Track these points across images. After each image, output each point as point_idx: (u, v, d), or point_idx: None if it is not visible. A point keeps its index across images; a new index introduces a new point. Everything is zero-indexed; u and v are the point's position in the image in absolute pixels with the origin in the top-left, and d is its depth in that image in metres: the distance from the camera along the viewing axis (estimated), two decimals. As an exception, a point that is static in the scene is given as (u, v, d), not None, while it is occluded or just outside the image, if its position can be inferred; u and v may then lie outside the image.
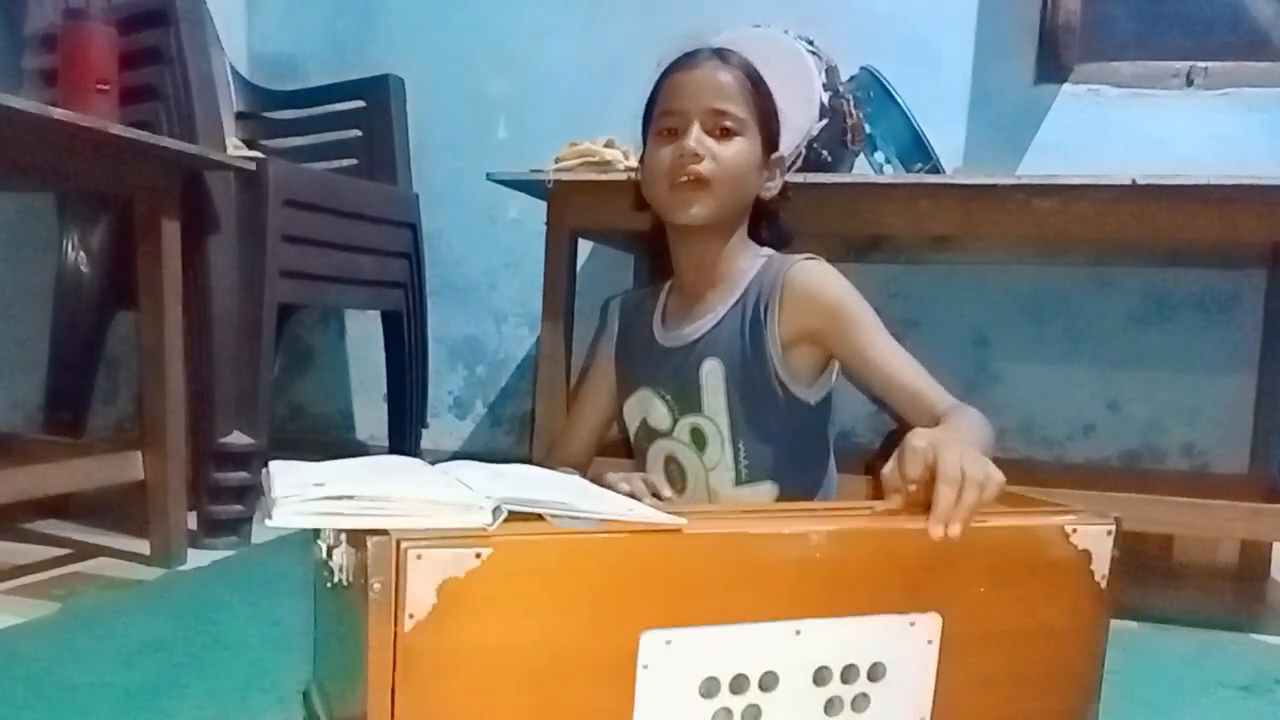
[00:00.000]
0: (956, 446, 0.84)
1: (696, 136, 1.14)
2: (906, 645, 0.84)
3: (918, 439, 0.85)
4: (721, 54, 1.20)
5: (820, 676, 0.81)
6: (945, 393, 1.08)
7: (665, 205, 1.19)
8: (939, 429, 0.95)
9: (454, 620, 0.70)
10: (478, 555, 0.70)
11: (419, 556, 0.68)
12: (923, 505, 0.83)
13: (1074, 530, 0.87)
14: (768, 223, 1.29)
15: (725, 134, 1.16)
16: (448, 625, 0.70)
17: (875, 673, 0.83)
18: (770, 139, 1.22)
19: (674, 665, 0.77)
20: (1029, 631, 0.87)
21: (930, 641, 0.84)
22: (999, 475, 0.83)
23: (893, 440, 0.90)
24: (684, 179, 1.15)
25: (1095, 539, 0.88)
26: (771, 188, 1.24)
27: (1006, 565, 0.86)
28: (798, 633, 0.80)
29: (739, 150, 1.16)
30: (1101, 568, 0.88)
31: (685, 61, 1.19)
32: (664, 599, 0.76)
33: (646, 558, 0.76)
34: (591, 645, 0.75)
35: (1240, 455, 2.15)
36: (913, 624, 0.83)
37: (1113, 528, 0.88)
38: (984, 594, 0.85)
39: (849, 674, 0.82)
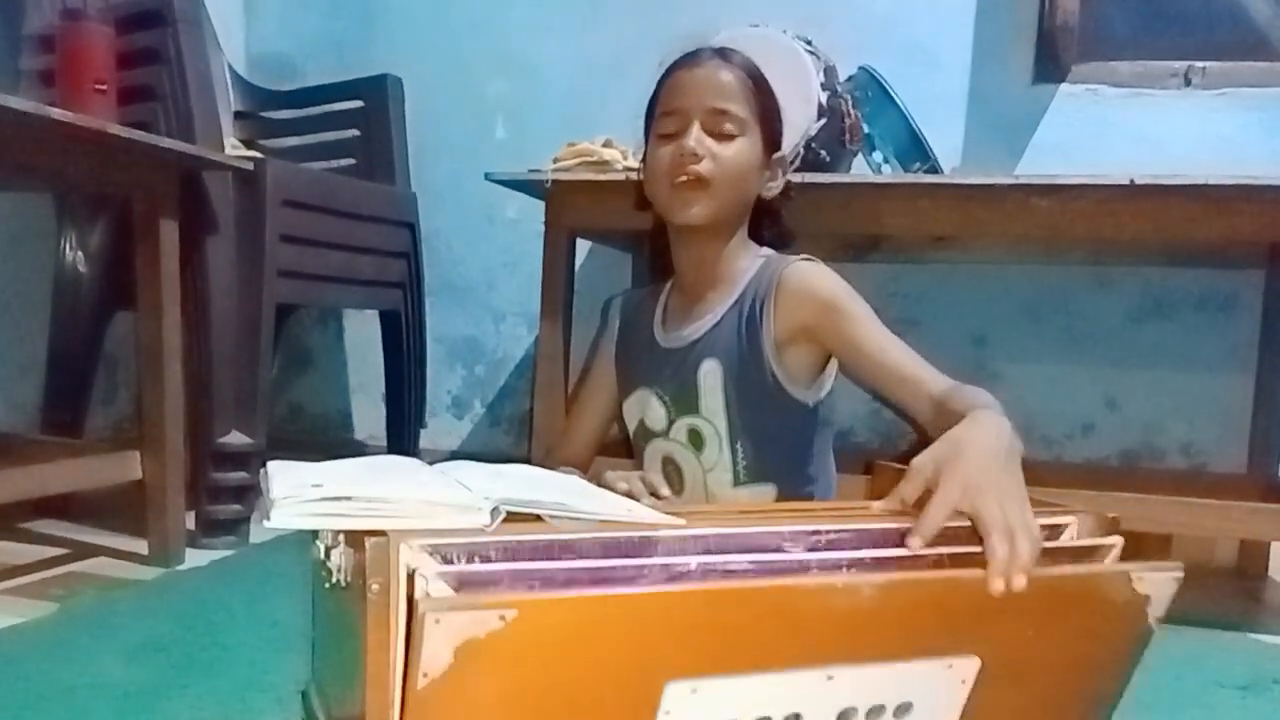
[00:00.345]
0: (989, 484, 0.79)
1: (697, 136, 1.14)
2: (939, 686, 0.80)
3: (922, 461, 0.82)
4: (723, 53, 1.19)
5: (844, 716, 0.78)
6: (942, 376, 1.05)
7: (665, 205, 1.19)
8: (955, 438, 0.86)
9: (470, 678, 0.66)
10: (501, 618, 0.64)
11: (437, 621, 0.62)
12: (918, 508, 0.81)
13: (1140, 578, 0.82)
14: (769, 222, 1.28)
15: (726, 134, 1.16)
16: (463, 682, 0.66)
17: (901, 710, 0.79)
18: (772, 138, 1.21)
19: (697, 711, 0.73)
20: (1067, 666, 0.83)
21: (964, 682, 0.80)
22: (1037, 531, 0.78)
23: (909, 454, 0.87)
24: (684, 179, 1.15)
25: (1159, 585, 0.82)
26: (773, 187, 1.24)
27: (1061, 609, 0.81)
28: (830, 678, 0.76)
29: (739, 150, 1.16)
30: (1158, 611, 0.83)
31: (687, 61, 1.19)
32: (695, 650, 0.72)
33: (678, 612, 0.71)
34: (612, 696, 0.71)
35: (1239, 454, 2.15)
36: (950, 666, 0.79)
37: (1180, 575, 0.83)
38: (1030, 636, 0.80)
39: (874, 713, 0.79)
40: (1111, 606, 0.82)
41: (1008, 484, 0.80)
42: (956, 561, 0.79)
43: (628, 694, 0.71)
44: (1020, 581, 0.74)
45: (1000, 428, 0.88)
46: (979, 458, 0.82)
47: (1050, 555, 0.80)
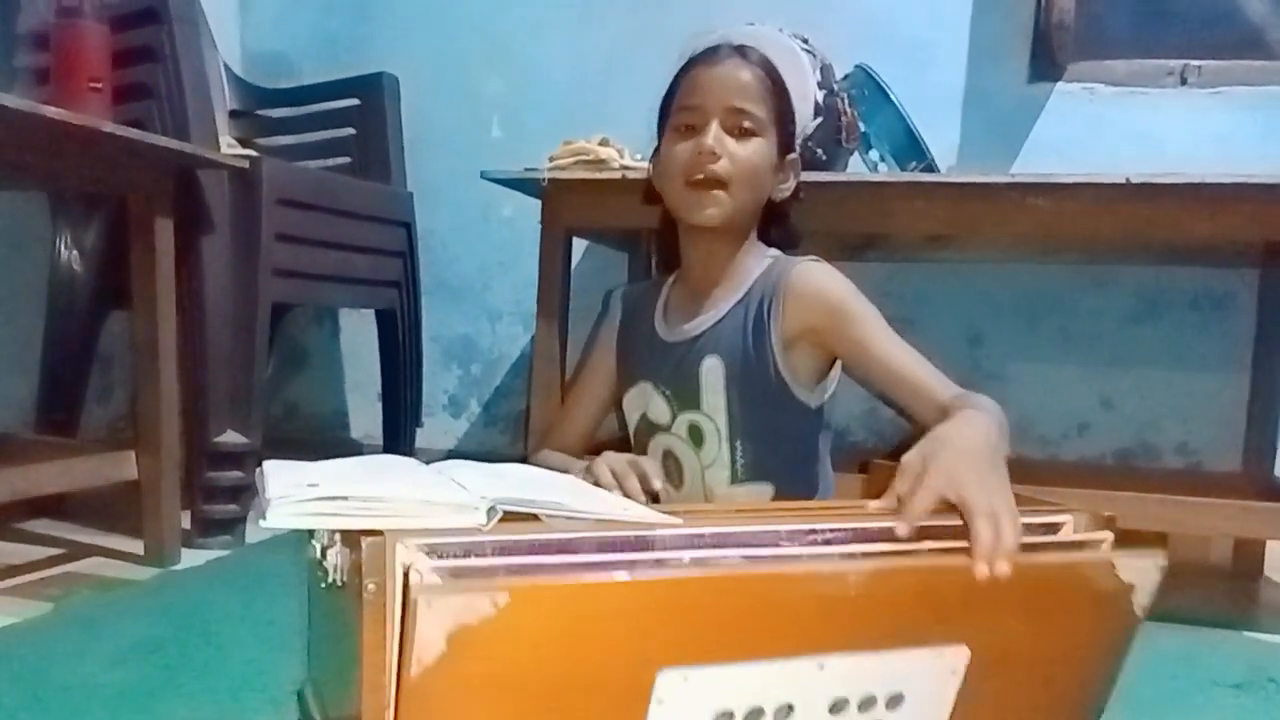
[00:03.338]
0: (974, 474, 0.80)
1: (716, 135, 1.13)
2: (930, 675, 0.80)
3: (912, 455, 0.83)
4: (743, 51, 1.18)
5: (837, 706, 0.78)
6: (950, 383, 1.06)
7: (680, 204, 1.18)
8: (942, 436, 0.89)
9: (464, 665, 0.66)
10: (494, 603, 0.65)
11: (429, 604, 0.63)
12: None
13: (1123, 564, 0.83)
14: (778, 223, 1.27)
15: (744, 134, 1.15)
16: (457, 669, 0.66)
17: (893, 702, 0.80)
18: (786, 140, 1.21)
19: (689, 700, 0.73)
20: (1056, 657, 0.84)
21: (954, 672, 0.80)
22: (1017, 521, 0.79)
23: (901, 449, 0.88)
24: (700, 177, 1.14)
25: (1143, 572, 0.83)
26: (785, 189, 1.23)
27: (1046, 597, 0.82)
28: (821, 667, 0.76)
29: (756, 151, 1.15)
30: (1143, 599, 0.84)
31: (706, 57, 1.18)
32: (686, 638, 0.72)
33: (670, 599, 0.72)
34: (605, 683, 0.71)
35: (1233, 453, 2.16)
36: (939, 655, 0.80)
37: (1164, 562, 0.83)
38: (1016, 625, 0.81)
39: (866, 704, 0.79)
40: (1097, 595, 0.83)
41: (992, 473, 0.82)
42: (946, 553, 0.80)
43: (621, 682, 0.71)
44: (1004, 566, 0.75)
45: (987, 425, 0.91)
46: (964, 448, 0.85)
47: (1039, 548, 0.82)
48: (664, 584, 0.72)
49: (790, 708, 0.77)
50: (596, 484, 0.98)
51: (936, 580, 0.78)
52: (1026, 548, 0.79)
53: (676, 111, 1.19)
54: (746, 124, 1.15)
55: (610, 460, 1.04)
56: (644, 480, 1.01)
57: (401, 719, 0.67)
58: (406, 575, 0.66)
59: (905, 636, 0.78)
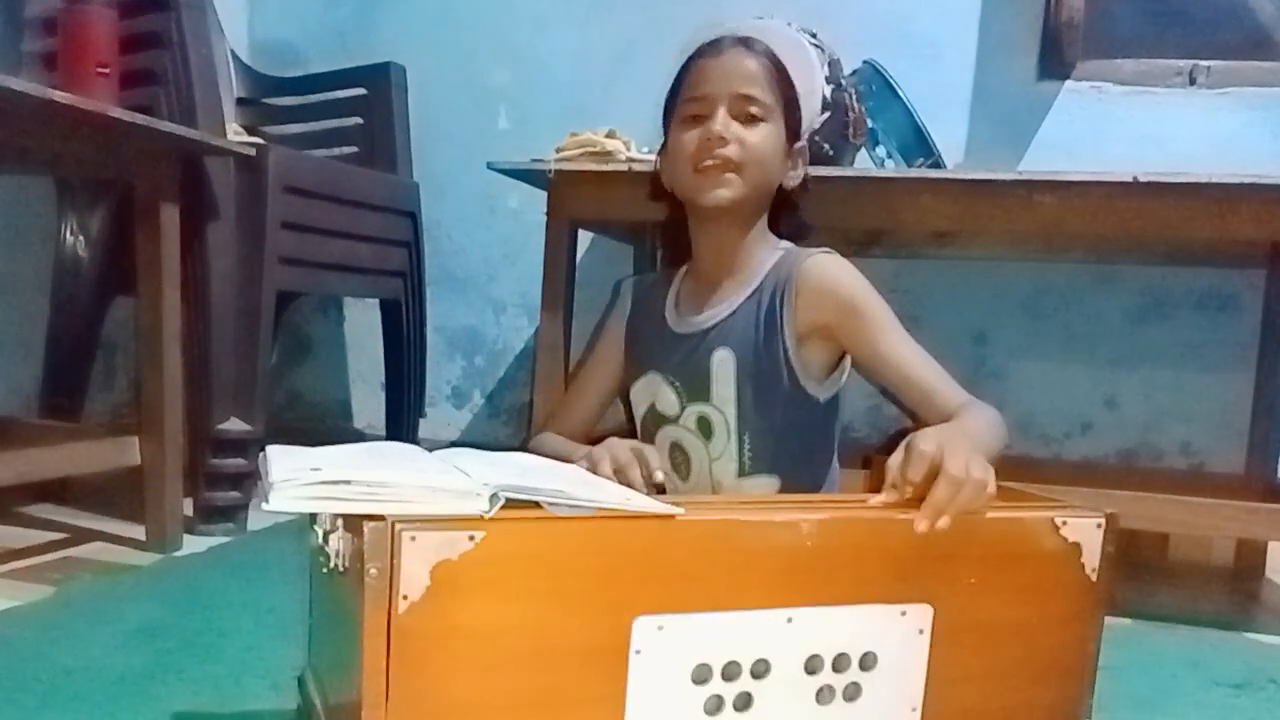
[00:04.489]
0: (964, 449, 0.85)
1: (723, 121, 1.14)
2: (898, 635, 0.84)
3: (926, 442, 0.85)
4: (746, 41, 1.19)
5: (812, 665, 0.82)
6: (960, 389, 1.08)
7: (691, 188, 1.18)
8: (949, 427, 0.95)
9: (448, 602, 0.70)
10: (471, 538, 0.71)
11: (413, 538, 0.69)
12: (918, 501, 0.83)
13: (1064, 523, 0.88)
14: (788, 213, 1.28)
15: (751, 119, 1.15)
16: (441, 607, 0.70)
17: (867, 662, 0.83)
18: (793, 128, 1.21)
19: (667, 651, 0.77)
20: (1020, 623, 0.88)
21: (922, 631, 0.84)
22: (993, 487, 0.84)
23: (899, 437, 0.90)
24: (710, 162, 1.14)
25: (1085, 532, 0.88)
26: (794, 177, 1.24)
27: (997, 557, 0.87)
28: (790, 621, 0.80)
29: (765, 136, 1.16)
30: (1092, 560, 0.88)
31: (710, 48, 1.19)
32: (657, 585, 0.77)
33: (640, 543, 0.77)
34: (584, 629, 0.75)
35: (1237, 454, 2.15)
36: (904, 614, 0.84)
37: (1102, 521, 0.89)
38: (975, 585, 0.85)
39: (840, 663, 0.83)
40: (1045, 556, 0.88)
41: (978, 453, 0.86)
42: (895, 508, 0.86)
43: (600, 628, 0.76)
44: (944, 522, 0.80)
45: (986, 425, 0.99)
46: (957, 429, 0.94)
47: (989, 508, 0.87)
48: (630, 524, 0.77)
49: (766, 663, 0.81)
50: (595, 472, 0.98)
51: (889, 534, 0.83)
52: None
53: (683, 103, 1.19)
54: (754, 110, 1.15)
55: (614, 449, 1.04)
56: (646, 469, 1.01)
57: (393, 664, 0.70)
58: (394, 523, 0.70)
59: (867, 591, 0.83)
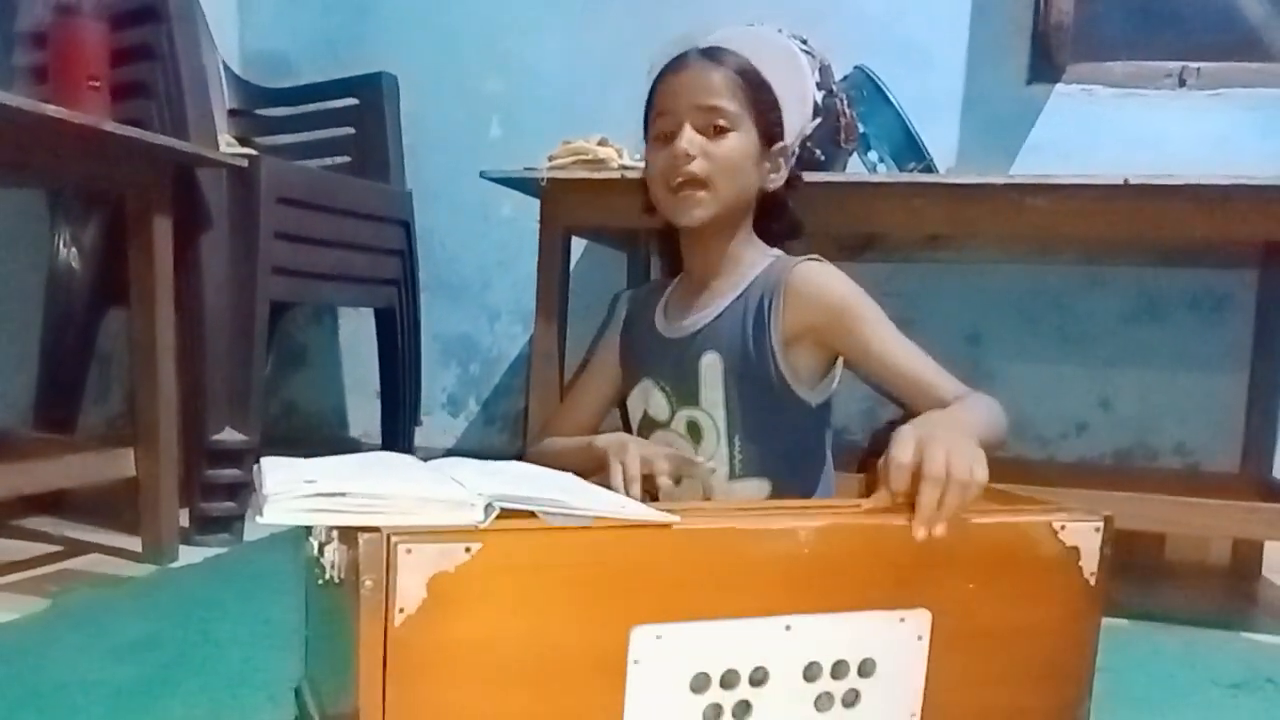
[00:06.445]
0: (944, 442, 0.82)
1: (689, 138, 1.14)
2: (896, 641, 0.84)
3: (901, 449, 0.82)
4: (709, 53, 1.20)
5: (811, 672, 0.82)
6: (957, 382, 1.07)
7: (668, 209, 1.20)
8: (927, 418, 0.93)
9: (444, 615, 0.70)
10: (467, 550, 0.70)
11: (409, 551, 0.69)
12: (911, 502, 0.83)
13: (1062, 527, 0.87)
14: (777, 214, 1.28)
15: (718, 131, 1.16)
16: (438, 620, 0.70)
17: (866, 669, 0.83)
18: (769, 131, 1.21)
19: (665, 660, 0.77)
20: (1019, 628, 0.87)
21: (920, 638, 0.84)
22: (983, 474, 0.81)
23: (887, 430, 0.89)
24: (680, 179, 1.15)
25: (1084, 535, 0.88)
26: (775, 179, 1.24)
27: (995, 562, 0.86)
28: (788, 628, 0.80)
29: (733, 146, 1.16)
30: (1090, 564, 0.88)
31: (674, 64, 1.20)
32: (654, 594, 0.76)
33: (636, 553, 0.76)
34: (582, 640, 0.75)
35: (1232, 454, 2.16)
36: (902, 620, 0.83)
37: (1100, 525, 0.88)
38: (973, 590, 0.85)
39: (839, 670, 0.82)
40: (1043, 560, 0.88)
41: (961, 442, 0.84)
42: (891, 513, 0.85)
43: (598, 639, 0.75)
44: (939, 530, 0.80)
45: (979, 413, 0.97)
46: (943, 420, 0.92)
47: (986, 513, 0.86)
48: (626, 534, 0.77)
49: (764, 671, 0.80)
50: (617, 460, 1.05)
51: (887, 540, 0.83)
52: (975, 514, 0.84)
53: (652, 121, 1.21)
54: (719, 121, 1.15)
55: (646, 451, 1.08)
56: (647, 461, 1.06)
57: (389, 676, 0.69)
58: (389, 536, 0.69)
59: (865, 598, 0.83)
